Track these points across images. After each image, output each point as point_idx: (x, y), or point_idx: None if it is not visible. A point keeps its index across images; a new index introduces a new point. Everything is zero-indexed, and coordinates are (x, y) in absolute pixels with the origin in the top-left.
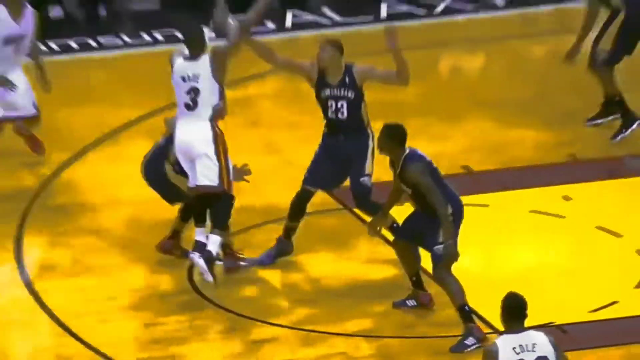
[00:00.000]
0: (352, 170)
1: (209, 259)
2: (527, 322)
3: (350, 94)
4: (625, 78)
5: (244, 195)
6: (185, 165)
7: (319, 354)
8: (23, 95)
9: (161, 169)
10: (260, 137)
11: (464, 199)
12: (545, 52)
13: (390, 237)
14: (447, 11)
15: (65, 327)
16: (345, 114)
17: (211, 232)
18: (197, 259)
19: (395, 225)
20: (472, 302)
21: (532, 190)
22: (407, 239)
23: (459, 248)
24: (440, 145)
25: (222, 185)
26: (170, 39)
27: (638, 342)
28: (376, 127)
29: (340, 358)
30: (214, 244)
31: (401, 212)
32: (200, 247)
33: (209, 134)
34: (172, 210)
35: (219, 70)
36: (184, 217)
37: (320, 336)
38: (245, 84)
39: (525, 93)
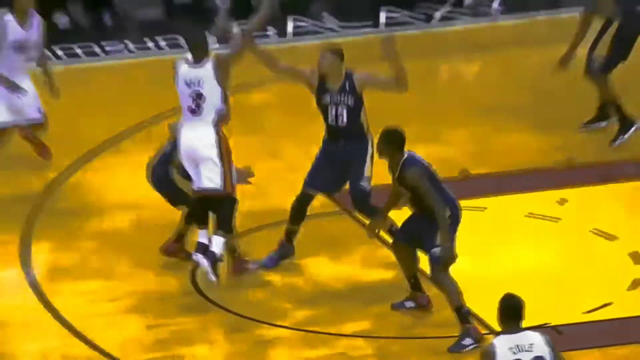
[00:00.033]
0: (351, 174)
1: (213, 260)
2: (524, 323)
3: (350, 100)
4: (621, 83)
5: (246, 199)
6: (189, 169)
7: (320, 354)
8: (30, 101)
9: (167, 173)
10: (262, 142)
11: (461, 203)
12: (540, 59)
13: (389, 240)
14: (445, 19)
15: (72, 328)
16: (345, 119)
17: (215, 234)
18: (202, 259)
19: (393, 228)
20: (469, 303)
21: (528, 194)
22: (405, 241)
23: (457, 250)
24: (438, 150)
25: (225, 189)
26: (174, 46)
27: (631, 343)
28: (376, 132)
29: (340, 358)
30: (217, 244)
31: (399, 215)
32: (202, 248)
33: (213, 138)
34: (176, 214)
35: (222, 75)
36: (188, 220)
37: (321, 337)
38: (247, 90)
39: (521, 99)
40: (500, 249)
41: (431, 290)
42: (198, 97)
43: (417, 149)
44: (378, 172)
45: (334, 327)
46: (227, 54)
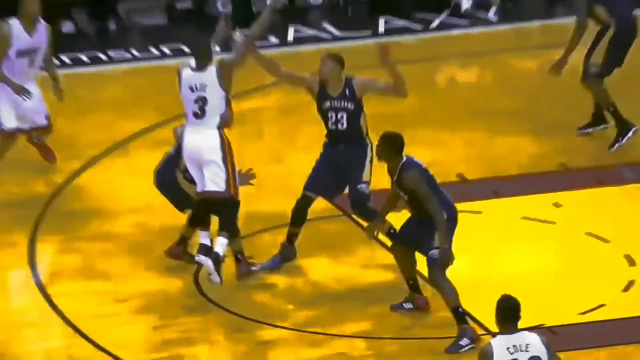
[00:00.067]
0: (351, 178)
1: (217, 260)
2: (520, 324)
3: (350, 106)
4: (616, 88)
5: (249, 203)
6: (193, 172)
7: (321, 354)
8: (37, 107)
9: (172, 177)
10: (264, 147)
11: (458, 206)
12: (536, 65)
13: (388, 242)
14: (442, 26)
15: (77, 329)
16: (345, 124)
17: (219, 235)
18: (206, 259)
19: (392, 231)
20: (466, 304)
21: (524, 198)
22: (404, 244)
23: (454, 253)
24: (436, 154)
25: (229, 191)
26: (177, 53)
27: (625, 343)
28: (375, 136)
29: (340, 358)
30: (221, 245)
31: (398, 218)
32: (204, 249)
33: (217, 141)
34: (179, 216)
35: (225, 80)
36: (192, 223)
37: (322, 338)
38: (250, 96)
39: (517, 104)
40: (496, 251)
41: (429, 292)
42: (202, 101)
43: (414, 152)
44: (376, 176)
45: (334, 327)
46: (230, 60)
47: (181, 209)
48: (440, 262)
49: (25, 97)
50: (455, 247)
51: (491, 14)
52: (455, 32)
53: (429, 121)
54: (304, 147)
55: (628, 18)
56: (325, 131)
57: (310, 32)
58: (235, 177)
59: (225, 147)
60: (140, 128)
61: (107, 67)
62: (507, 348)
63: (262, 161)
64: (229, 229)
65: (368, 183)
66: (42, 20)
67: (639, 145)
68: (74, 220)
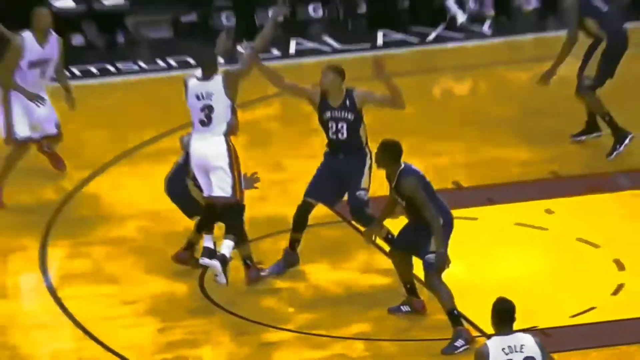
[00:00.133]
0: (350, 185)
1: (223, 262)
2: (514, 326)
3: (350, 116)
4: (608, 99)
5: (252, 209)
6: (200, 178)
7: (322, 356)
8: (47, 115)
9: (182, 185)
10: (267, 155)
11: (454, 213)
12: (529, 77)
13: (386, 247)
14: (438, 39)
15: (86, 331)
16: (345, 134)
17: (225, 238)
18: (210, 261)
19: (390, 236)
20: (462, 307)
21: (517, 204)
22: (402, 249)
23: (450, 257)
24: (433, 162)
25: (235, 196)
26: (183, 65)
27: (615, 345)
28: (374, 146)
29: None
30: (227, 248)
31: (395, 224)
32: (208, 252)
33: (223, 148)
34: (184, 222)
35: (231, 89)
36: (199, 229)
37: (323, 340)
38: (253, 106)
39: (510, 114)
40: (491, 256)
41: (426, 295)
42: (208, 109)
43: (412, 160)
44: (375, 183)
45: (334, 330)
46: (236, 70)
47: (190, 216)
48: (437, 266)
49: (38, 104)
50: (451, 252)
51: (485, 27)
52: (450, 45)
53: (426, 130)
54: (305, 156)
55: (618, 31)
56: (326, 141)
57: (311, 44)
58: (241, 182)
59: (232, 154)
60: (147, 137)
61: (115, 78)
62: (503, 349)
63: (265, 169)
64: (235, 232)
65: (367, 190)
66: (53, 33)
67: (633, 153)
68: (83, 226)
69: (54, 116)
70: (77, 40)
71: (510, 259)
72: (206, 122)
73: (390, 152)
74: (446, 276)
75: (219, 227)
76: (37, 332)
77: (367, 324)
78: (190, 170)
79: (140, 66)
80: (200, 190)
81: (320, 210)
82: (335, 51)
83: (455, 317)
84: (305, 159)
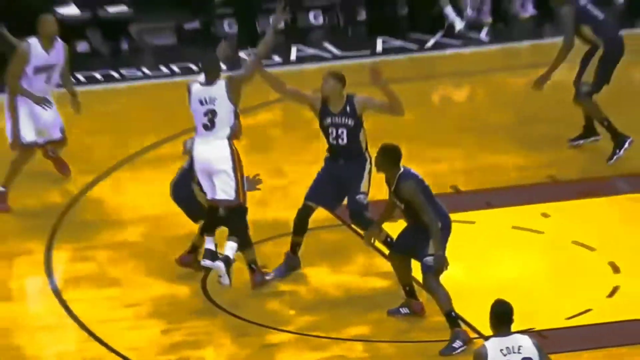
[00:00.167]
0: (349, 189)
1: (227, 263)
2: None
3: (350, 122)
4: (606, 104)
5: (254, 213)
6: (203, 181)
7: (322, 357)
8: (53, 120)
9: (188, 189)
10: (268, 160)
11: (452, 216)
12: (526, 83)
13: (385, 251)
14: (436, 46)
15: (90, 332)
16: (345, 140)
17: (228, 240)
18: (212, 263)
19: (389, 239)
20: (460, 309)
21: (514, 208)
22: (401, 252)
23: (448, 260)
24: (431, 167)
25: (238, 199)
26: (186, 71)
27: (610, 346)
28: (374, 151)
29: None
30: (231, 249)
31: (394, 228)
32: (210, 254)
33: (226, 151)
34: (186, 226)
35: (234, 94)
36: (203, 233)
37: (323, 341)
38: (255, 111)
39: (507, 120)
40: (488, 259)
41: (424, 298)
42: (211, 114)
43: (411, 166)
44: (374, 188)
45: (334, 332)
46: (239, 75)
47: (196, 220)
48: (435, 269)
49: (45, 107)
50: (449, 255)
51: (483, 34)
52: (448, 51)
53: (425, 136)
54: (306, 161)
55: (615, 38)
56: (326, 146)
57: (311, 51)
58: (244, 185)
59: (235, 157)
60: (150, 142)
61: (119, 84)
62: (501, 350)
63: (267, 174)
64: (238, 234)
65: (366, 194)
66: (59, 39)
67: (630, 158)
68: (88, 230)
69: (59, 121)
70: (82, 47)
71: (508, 262)
72: (209, 126)
73: (390, 156)
74: (444, 278)
75: (222, 231)
76: (42, 333)
77: (367, 326)
78: (195, 175)
79: (144, 72)
80: (205, 194)
81: (320, 214)
82: (335, 57)
83: (453, 319)
84: (306, 164)
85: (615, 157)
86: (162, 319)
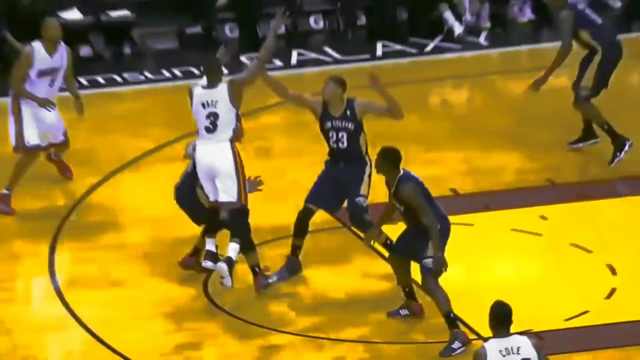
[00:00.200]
0: (349, 192)
1: (230, 264)
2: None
3: (351, 126)
4: (604, 108)
5: (255, 216)
6: (205, 183)
7: (323, 358)
8: (56, 123)
9: (191, 193)
10: (269, 163)
11: (451, 219)
12: (524, 87)
13: (385, 253)
14: (436, 50)
15: (93, 333)
16: (345, 143)
17: (231, 241)
18: (220, 263)
19: (388, 242)
20: (458, 310)
21: (513, 211)
22: (400, 254)
23: (447, 261)
24: (431, 170)
25: (240, 201)
26: (187, 75)
27: (607, 348)
28: (374, 154)
29: None
30: (233, 251)
31: (394, 230)
32: (211, 255)
33: (229, 153)
34: (188, 228)
35: (236, 96)
36: (204, 234)
37: (324, 342)
38: (256, 114)
39: (506, 123)
40: (487, 261)
41: (423, 299)
42: (213, 116)
43: (411, 168)
44: (373, 190)
45: (335, 333)
46: (240, 78)
47: (199, 223)
48: (434, 270)
49: (49, 108)
50: (448, 257)
51: (482, 39)
52: (448, 55)
53: (424, 139)
54: (306, 164)
55: (613, 42)
56: (327, 149)
57: (312, 55)
58: (246, 186)
59: (237, 159)
60: (152, 145)
61: (122, 88)
62: (500, 351)
63: (267, 176)
64: (241, 235)
65: (366, 197)
66: (62, 43)
67: (628, 161)
68: (91, 232)
69: (61, 124)
70: (85, 51)
71: (506, 264)
72: (211, 129)
73: (390, 159)
74: (443, 280)
75: (224, 234)
76: (46, 334)
77: (367, 327)
78: (198, 177)
79: (146, 76)
80: (207, 196)
81: (320, 217)
82: (335, 61)
83: (452, 320)
84: (307, 166)
85: (616, 160)
86: (165, 320)
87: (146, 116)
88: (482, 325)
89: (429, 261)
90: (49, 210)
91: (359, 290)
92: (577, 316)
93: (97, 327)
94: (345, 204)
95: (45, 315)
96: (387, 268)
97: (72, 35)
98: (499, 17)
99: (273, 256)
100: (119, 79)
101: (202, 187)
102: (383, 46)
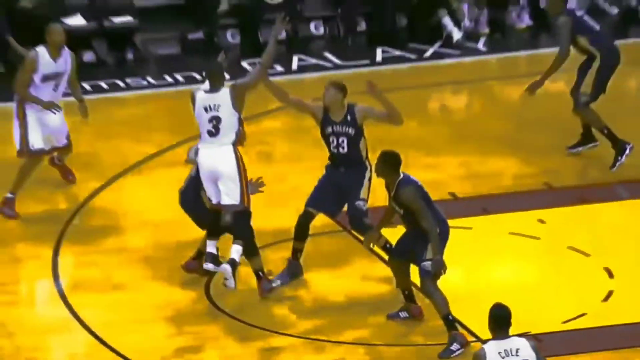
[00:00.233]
0: (349, 196)
1: (233, 266)
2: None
3: (351, 131)
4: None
5: (256, 219)
6: (208, 186)
7: None
8: (59, 128)
9: (195, 197)
10: (270, 167)
11: (450, 222)
12: (522, 92)
13: (385, 256)
14: (435, 56)
15: (97, 336)
16: (346, 148)
17: (234, 243)
18: (224, 265)
19: (388, 245)
20: (457, 313)
21: (511, 215)
22: (400, 257)
23: (446, 264)
24: (430, 174)
25: (243, 204)
26: (190, 80)
27: (604, 350)
28: (374, 159)
29: None
30: (236, 252)
31: (394, 233)
32: (211, 258)
33: (231, 156)
34: (190, 231)
35: (238, 100)
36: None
37: (324, 345)
38: (258, 119)
39: (504, 128)
40: (485, 264)
41: (422, 302)
42: (216, 120)
43: (410, 172)
44: (373, 195)
45: (335, 335)
46: (243, 82)
47: (204, 227)
48: (434, 273)
49: (55, 111)
50: (447, 260)
51: (480, 44)
52: (447, 61)
53: (423, 144)
54: (307, 168)
55: (611, 48)
56: (328, 154)
57: (312, 61)
58: (248, 189)
59: (239, 162)
60: (154, 150)
61: (124, 93)
62: (499, 352)
63: (269, 181)
64: (243, 237)
65: (366, 200)
66: (67, 49)
67: (626, 165)
68: (94, 235)
69: (65, 128)
70: (88, 57)
71: (504, 267)
72: (214, 132)
73: (390, 163)
74: (442, 283)
75: (226, 237)
76: (49, 337)
77: (367, 330)
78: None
79: (148, 82)
80: (209, 199)
81: (321, 220)
82: (336, 67)
83: (450, 322)
84: (308, 171)
85: (617, 164)
86: (167, 323)
87: (148, 121)
88: (481, 327)
89: (427, 264)
90: (52, 214)
91: (359, 293)
92: (574, 319)
93: (100, 330)
94: (345, 208)
95: (48, 318)
96: (386, 271)
97: (76, 41)
98: (497, 23)
99: (275, 259)
100: (121, 84)
101: (204, 190)
102: (383, 52)
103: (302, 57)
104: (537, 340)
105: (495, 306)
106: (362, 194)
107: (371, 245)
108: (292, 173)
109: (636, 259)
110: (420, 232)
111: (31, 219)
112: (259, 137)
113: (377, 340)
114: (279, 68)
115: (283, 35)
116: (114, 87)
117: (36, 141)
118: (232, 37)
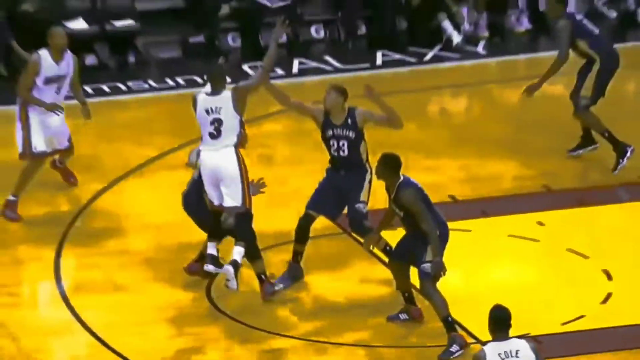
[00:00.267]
0: (350, 199)
1: (236, 267)
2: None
3: (352, 134)
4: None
5: (257, 222)
6: (209, 187)
7: None
8: (61, 131)
9: (198, 199)
10: (271, 170)
11: (450, 225)
12: (521, 95)
13: (385, 258)
14: (434, 59)
15: (98, 337)
16: (346, 151)
17: (236, 244)
18: (227, 266)
19: (388, 247)
20: (457, 315)
21: (510, 217)
22: (400, 259)
23: (445, 266)
24: (430, 176)
25: (245, 206)
26: (191, 84)
27: (602, 352)
28: (375, 161)
29: None
30: (238, 254)
31: (394, 236)
32: (212, 259)
33: (233, 158)
34: (194, 234)
35: (240, 103)
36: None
37: (324, 346)
38: (259, 122)
39: (503, 131)
40: (484, 266)
41: (422, 304)
42: (217, 122)
43: (410, 174)
44: (373, 197)
45: (335, 337)
46: (244, 85)
47: (206, 230)
48: (433, 274)
49: (58, 113)
50: (446, 263)
51: (480, 48)
52: (446, 64)
53: (423, 147)
54: (307, 171)
55: (610, 52)
56: (328, 157)
57: (313, 64)
58: (250, 190)
59: (241, 164)
60: (156, 153)
61: (126, 96)
62: (499, 354)
63: (270, 183)
64: (245, 239)
65: (366, 203)
66: (69, 52)
67: (625, 167)
68: (96, 238)
69: (66, 130)
70: (90, 60)
71: (503, 269)
72: (216, 135)
73: (390, 165)
74: (442, 285)
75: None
76: (51, 339)
77: (367, 331)
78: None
79: (150, 85)
80: (211, 201)
81: (321, 223)
82: (336, 70)
83: (450, 324)
84: (308, 174)
85: (619, 167)
86: (168, 324)
87: (150, 124)
88: (480, 329)
89: (427, 266)
90: (54, 216)
91: (359, 295)
92: (573, 320)
93: (102, 332)
94: (345, 211)
95: (50, 320)
96: (386, 273)
97: (78, 44)
98: (496, 27)
99: (276, 262)
100: (123, 87)
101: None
102: (383, 55)
103: (303, 60)
104: (537, 342)
105: (495, 308)
106: (362, 197)
107: (371, 248)
108: (292, 176)
109: (635, 262)
110: (420, 235)
111: (33, 221)
112: (260, 139)
113: (377, 341)
114: (279, 71)
115: (284, 38)
116: (116, 90)
117: (39, 143)
118: (232, 40)
